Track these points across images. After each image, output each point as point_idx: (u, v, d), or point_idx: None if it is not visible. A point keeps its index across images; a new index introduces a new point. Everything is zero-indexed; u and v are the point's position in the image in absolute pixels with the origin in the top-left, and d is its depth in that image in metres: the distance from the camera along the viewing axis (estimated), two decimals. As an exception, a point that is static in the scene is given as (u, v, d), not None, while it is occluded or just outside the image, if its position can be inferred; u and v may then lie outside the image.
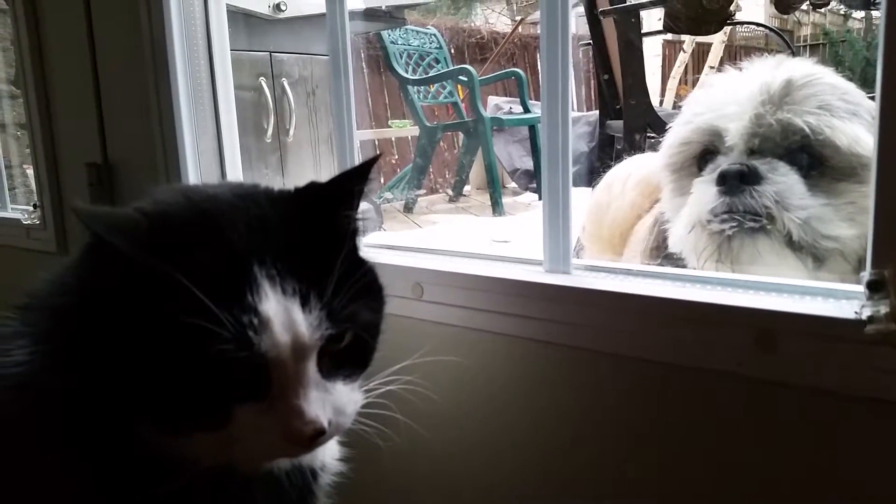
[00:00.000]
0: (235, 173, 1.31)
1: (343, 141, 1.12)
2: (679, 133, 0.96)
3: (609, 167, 2.89)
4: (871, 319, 0.65)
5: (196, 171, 1.25)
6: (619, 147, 2.66)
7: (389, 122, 4.70)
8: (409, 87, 4.08)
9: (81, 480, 0.59)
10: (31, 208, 1.54)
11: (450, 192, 4.49)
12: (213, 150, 1.27)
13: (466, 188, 4.51)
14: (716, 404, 0.78)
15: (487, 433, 0.96)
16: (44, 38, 1.48)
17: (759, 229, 0.86)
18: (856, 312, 0.67)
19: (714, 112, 0.92)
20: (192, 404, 0.56)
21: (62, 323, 0.63)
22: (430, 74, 4.29)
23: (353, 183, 0.67)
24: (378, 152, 0.73)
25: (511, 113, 4.40)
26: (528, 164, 4.40)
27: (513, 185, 4.56)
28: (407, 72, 4.13)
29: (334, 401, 0.60)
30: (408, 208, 4.09)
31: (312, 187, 0.69)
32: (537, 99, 4.80)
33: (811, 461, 0.73)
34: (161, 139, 1.24)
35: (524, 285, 0.90)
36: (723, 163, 0.90)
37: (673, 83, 5.15)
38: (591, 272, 0.90)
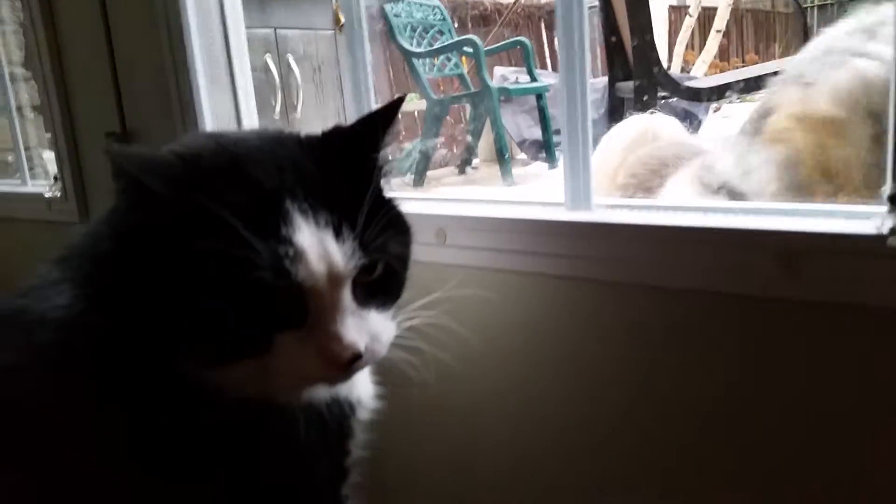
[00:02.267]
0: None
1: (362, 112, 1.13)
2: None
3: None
4: (892, 231, 0.66)
5: (216, 134, 1.26)
6: (629, 109, 2.67)
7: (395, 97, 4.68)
8: (414, 61, 4.06)
9: (126, 416, 0.62)
10: (52, 181, 1.56)
11: (459, 164, 4.49)
12: (232, 123, 1.28)
13: (475, 160, 4.50)
14: (743, 327, 0.79)
15: (516, 368, 0.99)
16: (56, 14, 1.49)
17: None
18: (877, 227, 0.68)
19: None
20: (234, 334, 0.59)
21: (101, 267, 0.65)
22: (434, 47, 4.27)
23: (377, 124, 0.70)
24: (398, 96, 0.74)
25: (518, 83, 4.38)
26: (537, 133, 4.38)
27: (522, 155, 4.55)
28: (411, 45, 4.11)
29: (370, 328, 0.63)
30: (417, 182, 4.09)
31: (338, 130, 0.71)
32: (543, 68, 4.77)
33: (838, 375, 0.74)
34: (179, 108, 1.25)
35: (547, 224, 0.92)
36: None
37: (680, 49, 5.12)
38: (612, 209, 0.92)
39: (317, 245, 0.59)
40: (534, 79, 4.30)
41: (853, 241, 0.69)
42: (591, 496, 0.95)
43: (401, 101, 0.73)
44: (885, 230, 0.67)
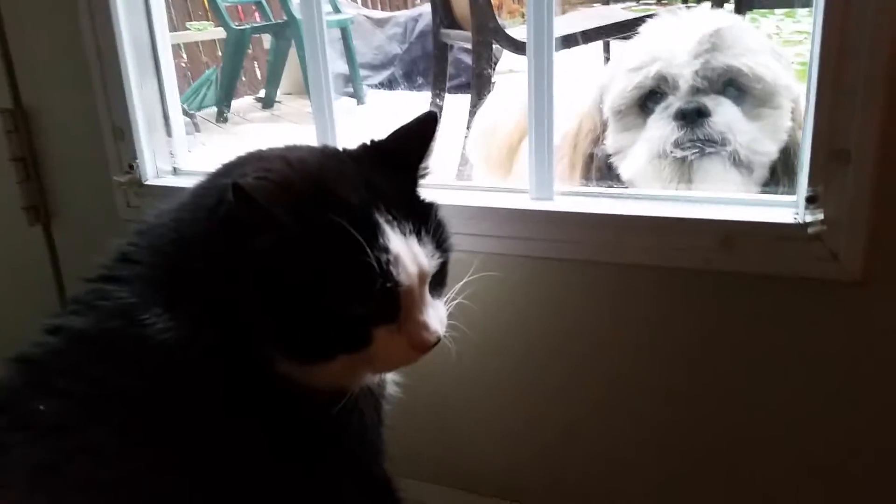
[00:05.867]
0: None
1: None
2: (631, 80, 1.16)
3: (445, 77, 3.00)
4: (809, 224, 0.91)
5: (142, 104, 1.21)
6: (457, 57, 2.79)
7: (188, 25, 4.37)
8: (211, -14, 3.82)
9: (254, 426, 0.70)
10: None
11: (260, 97, 4.36)
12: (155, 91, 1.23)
13: (278, 95, 4.40)
14: (689, 294, 1.02)
15: (500, 337, 1.14)
16: None
17: (714, 153, 1.10)
18: (794, 217, 0.93)
19: (664, 61, 1.13)
20: (342, 332, 0.69)
21: (200, 285, 0.70)
22: (230, -29, 4.03)
23: (421, 141, 0.80)
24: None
25: (319, 14, 4.29)
26: (342, 67, 4.36)
27: (325, 89, 4.51)
28: (206, -31, 3.84)
29: (439, 314, 0.76)
30: (221, 118, 3.94)
31: (380, 146, 0.80)
32: None
33: (767, 332, 0.99)
34: (101, 75, 1.18)
35: (514, 212, 1.07)
36: (673, 102, 1.11)
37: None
38: (572, 196, 1.09)
39: (407, 251, 0.70)
40: (336, 10, 4.25)
41: (778, 228, 0.93)
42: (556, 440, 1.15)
43: (435, 118, 0.82)
44: (803, 221, 0.91)
